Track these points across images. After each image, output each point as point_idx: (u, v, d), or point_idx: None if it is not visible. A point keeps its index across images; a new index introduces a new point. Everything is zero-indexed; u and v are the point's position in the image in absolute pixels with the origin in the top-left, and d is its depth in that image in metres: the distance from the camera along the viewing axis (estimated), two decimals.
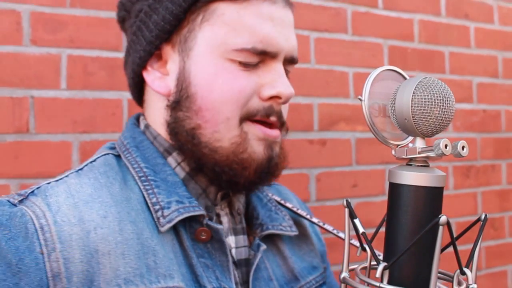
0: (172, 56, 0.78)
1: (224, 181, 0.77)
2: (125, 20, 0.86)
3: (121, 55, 1.29)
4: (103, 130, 1.27)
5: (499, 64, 2.01)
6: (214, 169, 0.75)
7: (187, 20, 0.76)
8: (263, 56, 0.75)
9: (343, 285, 0.50)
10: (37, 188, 0.72)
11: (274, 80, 0.76)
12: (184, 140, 0.76)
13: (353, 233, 0.52)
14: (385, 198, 1.67)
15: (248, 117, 0.75)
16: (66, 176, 0.75)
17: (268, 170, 0.78)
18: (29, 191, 0.71)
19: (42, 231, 0.65)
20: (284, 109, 0.81)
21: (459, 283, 0.48)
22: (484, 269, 1.90)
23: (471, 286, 0.47)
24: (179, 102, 0.76)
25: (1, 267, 0.62)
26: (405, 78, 0.54)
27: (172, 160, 0.80)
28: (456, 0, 1.91)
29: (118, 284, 0.65)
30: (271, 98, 0.76)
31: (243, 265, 0.80)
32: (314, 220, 0.92)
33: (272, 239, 0.86)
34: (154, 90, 0.80)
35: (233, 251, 0.80)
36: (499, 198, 1.97)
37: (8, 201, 0.69)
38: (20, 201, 0.69)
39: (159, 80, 0.79)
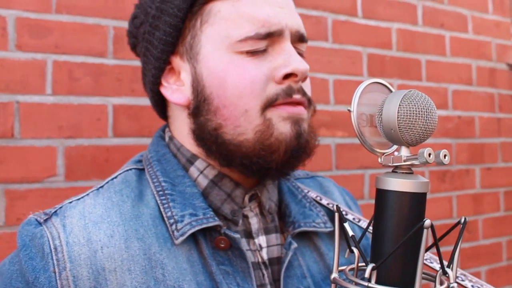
0: (182, 66, 0.80)
1: (256, 171, 0.76)
2: (136, 46, 0.89)
3: (106, 61, 1.31)
4: (88, 136, 1.28)
5: (473, 72, 2.08)
6: (243, 163, 0.75)
7: (188, 28, 0.78)
8: (269, 39, 0.75)
9: (333, 285, 0.53)
10: (60, 207, 0.77)
11: (286, 60, 0.75)
12: (209, 142, 0.76)
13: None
14: (364, 202, 1.72)
15: (269, 104, 0.74)
16: (87, 194, 0.79)
17: (299, 147, 0.76)
18: (53, 211, 0.76)
19: (55, 251, 0.70)
20: (306, 86, 0.79)
21: (441, 283, 0.52)
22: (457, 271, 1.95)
23: (451, 285, 0.51)
24: (199, 107, 0.77)
25: (21, 284, 0.70)
26: (391, 91, 0.58)
27: (194, 169, 0.81)
28: (432, 9, 1.96)
29: None
30: (287, 78, 0.75)
31: (275, 263, 0.81)
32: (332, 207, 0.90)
33: (308, 236, 0.85)
34: (174, 102, 0.81)
35: (264, 250, 0.80)
36: (473, 202, 2.03)
37: (36, 219, 0.74)
38: (45, 221, 0.74)
39: (176, 93, 0.80)
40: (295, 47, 0.79)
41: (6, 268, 0.73)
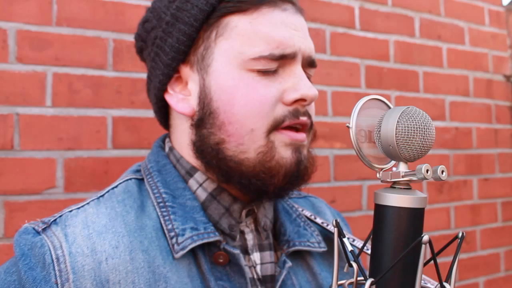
0: (191, 76, 0.79)
1: (253, 192, 0.77)
2: (143, 50, 0.88)
3: (106, 73, 1.32)
4: (88, 147, 1.29)
5: (470, 84, 2.09)
6: (241, 182, 0.75)
7: (202, 39, 0.78)
8: (282, 60, 0.75)
9: None
10: (60, 216, 0.74)
11: (296, 84, 0.76)
12: (210, 156, 0.76)
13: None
14: (362, 213, 1.72)
15: (275, 126, 0.75)
16: (87, 203, 0.77)
17: (298, 174, 0.77)
18: (52, 220, 0.74)
19: (57, 262, 0.68)
20: (310, 110, 0.80)
21: None
22: (457, 281, 1.95)
23: None
24: (203, 119, 0.77)
25: None
26: (389, 107, 0.58)
27: (193, 182, 0.80)
28: (429, 22, 1.98)
29: None
30: (296, 101, 0.76)
31: (269, 281, 0.80)
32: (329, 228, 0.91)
33: (301, 255, 0.85)
34: (178, 112, 0.81)
35: (258, 267, 0.80)
36: (471, 213, 2.03)
37: (33, 228, 0.72)
38: (44, 230, 0.71)
39: (182, 102, 0.80)
40: (304, 71, 0.80)
41: (2, 278, 0.70)
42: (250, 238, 0.81)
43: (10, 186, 1.20)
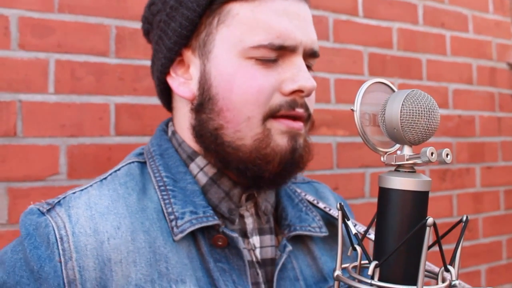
0: (193, 61, 0.80)
1: (250, 178, 0.78)
2: (149, 32, 0.89)
3: (109, 60, 1.31)
4: (91, 134, 1.29)
5: (474, 71, 2.08)
6: (239, 167, 0.76)
7: (204, 24, 0.78)
8: (282, 51, 0.76)
9: (336, 282, 0.54)
10: (63, 198, 0.77)
11: (295, 75, 0.76)
12: (208, 141, 0.77)
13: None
14: (365, 200, 1.72)
15: (271, 115, 0.76)
16: (91, 185, 0.79)
17: (293, 161, 0.78)
18: (56, 201, 0.76)
19: (61, 241, 0.70)
20: (309, 102, 0.80)
21: (443, 280, 0.52)
22: (459, 268, 1.95)
23: (454, 282, 0.51)
24: (202, 104, 0.78)
25: (26, 272, 0.70)
26: (393, 90, 0.58)
27: (194, 166, 0.81)
28: (433, 9, 1.97)
29: None
30: (293, 92, 0.76)
31: (268, 264, 0.82)
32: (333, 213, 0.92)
33: (302, 239, 0.87)
34: (179, 95, 0.82)
35: (258, 250, 0.82)
36: (473, 201, 2.04)
37: (38, 209, 0.74)
38: (48, 210, 0.74)
39: (183, 86, 0.81)
40: (305, 61, 0.80)
41: (8, 257, 0.72)
42: (249, 222, 0.82)
43: (13, 173, 1.20)
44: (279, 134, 0.76)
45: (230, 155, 0.76)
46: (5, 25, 1.21)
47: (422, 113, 0.51)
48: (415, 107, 0.51)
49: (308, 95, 0.78)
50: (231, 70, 0.75)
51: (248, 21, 0.75)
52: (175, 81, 0.82)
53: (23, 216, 0.75)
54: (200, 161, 0.81)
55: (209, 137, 0.78)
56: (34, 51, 1.24)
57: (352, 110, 0.55)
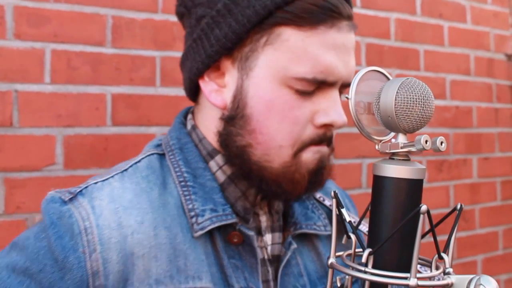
0: (230, 71, 0.78)
1: (270, 196, 0.80)
2: (183, 16, 0.85)
3: (105, 50, 1.31)
4: (87, 124, 1.28)
5: (471, 62, 2.08)
6: (261, 186, 0.77)
7: (250, 39, 0.75)
8: (321, 84, 0.75)
9: (330, 270, 0.54)
10: (85, 187, 0.76)
11: (329, 108, 0.75)
12: (234, 154, 0.78)
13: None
14: (362, 191, 1.73)
15: (302, 148, 0.76)
16: (112, 176, 0.78)
17: (316, 181, 0.79)
18: (78, 190, 0.76)
19: (85, 232, 0.71)
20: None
21: (437, 267, 0.52)
22: (455, 259, 1.97)
23: (447, 269, 0.52)
24: (234, 119, 0.77)
25: (50, 261, 0.70)
26: (388, 79, 0.58)
27: (213, 164, 0.81)
28: (431, 0, 1.96)
29: (149, 284, 0.72)
30: (324, 125, 0.76)
31: (275, 260, 0.83)
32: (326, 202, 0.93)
33: (308, 236, 0.88)
34: (210, 102, 0.80)
35: (269, 248, 0.83)
36: (470, 191, 2.04)
37: (60, 197, 0.74)
38: (70, 199, 0.74)
39: (216, 93, 0.79)
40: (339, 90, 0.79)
41: (32, 243, 0.73)
42: (264, 220, 0.84)
43: (10, 163, 1.20)
44: (308, 160, 0.77)
45: (254, 172, 0.77)
46: (1, 14, 1.21)
47: (416, 101, 0.51)
48: (410, 95, 0.51)
49: (338, 128, 0.78)
50: (270, 96, 0.74)
51: (296, 50, 0.73)
52: (208, 86, 0.80)
53: (45, 203, 0.75)
54: (219, 159, 0.81)
55: (235, 151, 0.77)
56: (30, 40, 1.24)
57: (347, 98, 0.55)
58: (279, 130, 0.75)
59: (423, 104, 0.52)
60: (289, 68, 0.73)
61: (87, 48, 1.29)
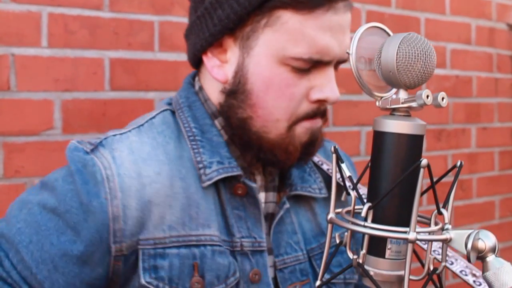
0: (232, 48, 0.83)
1: (266, 163, 0.87)
2: None
3: (103, 14, 1.29)
4: (85, 89, 1.28)
5: (472, 31, 2.06)
6: (259, 155, 0.84)
7: (251, 20, 0.80)
8: (317, 63, 0.80)
9: (330, 225, 0.54)
10: (105, 139, 0.82)
11: (324, 85, 0.81)
12: (235, 125, 0.84)
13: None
14: (360, 158, 1.73)
15: (296, 122, 0.82)
16: (129, 131, 0.84)
17: (308, 152, 0.86)
18: (98, 142, 0.82)
19: (107, 180, 0.78)
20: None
21: (436, 223, 0.53)
22: (452, 228, 1.98)
23: (446, 225, 0.52)
24: (235, 92, 0.83)
25: (76, 203, 0.77)
26: (389, 35, 0.57)
27: (217, 123, 0.87)
28: None
29: (163, 229, 0.79)
30: (318, 101, 0.82)
31: (269, 218, 0.89)
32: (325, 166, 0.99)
33: (306, 198, 0.93)
34: (212, 76, 0.85)
35: (263, 205, 0.87)
36: (468, 161, 2.05)
37: (82, 148, 0.80)
38: (92, 150, 0.80)
39: (218, 68, 0.85)
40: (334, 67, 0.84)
41: (60, 185, 0.79)
42: (258, 179, 0.89)
43: (8, 127, 1.20)
44: (301, 134, 0.83)
45: (253, 141, 0.83)
46: None
47: (418, 56, 0.51)
48: (411, 50, 0.51)
49: (331, 104, 0.84)
50: (268, 74, 0.80)
51: (294, 32, 0.78)
52: (210, 61, 0.85)
53: (69, 152, 0.81)
54: (221, 120, 0.87)
55: (236, 122, 0.83)
56: (27, 3, 1.22)
57: (348, 53, 0.54)
58: (276, 105, 0.81)
59: (425, 59, 0.51)
60: (287, 49, 0.78)
61: (85, 11, 1.28)
